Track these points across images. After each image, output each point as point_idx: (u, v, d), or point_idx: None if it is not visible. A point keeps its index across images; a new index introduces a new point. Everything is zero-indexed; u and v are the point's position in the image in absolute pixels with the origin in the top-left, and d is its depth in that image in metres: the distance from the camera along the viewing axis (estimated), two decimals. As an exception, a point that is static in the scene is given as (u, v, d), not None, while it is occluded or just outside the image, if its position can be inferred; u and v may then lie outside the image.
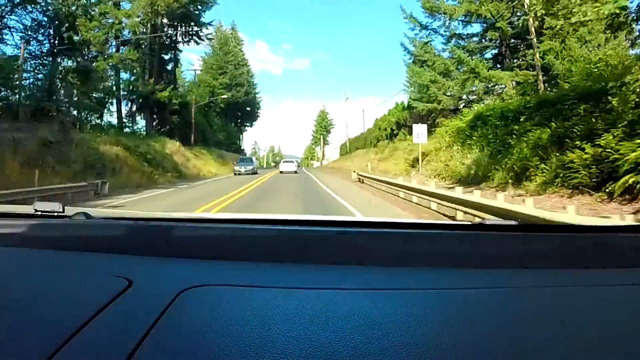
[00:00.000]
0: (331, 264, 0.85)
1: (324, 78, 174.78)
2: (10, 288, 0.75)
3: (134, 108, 32.71)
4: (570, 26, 9.96)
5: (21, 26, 22.21)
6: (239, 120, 63.01)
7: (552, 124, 9.88)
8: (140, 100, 31.45)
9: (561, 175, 8.35)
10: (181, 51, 39.47)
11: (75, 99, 23.08)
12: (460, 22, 21.16)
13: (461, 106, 20.09)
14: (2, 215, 1.14)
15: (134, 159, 18.81)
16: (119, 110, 31.23)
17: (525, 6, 12.72)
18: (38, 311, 0.64)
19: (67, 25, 24.56)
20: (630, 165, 6.64)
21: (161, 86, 31.01)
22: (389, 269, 0.83)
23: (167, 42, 36.88)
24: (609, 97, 8.50)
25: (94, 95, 26.83)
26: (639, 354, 0.55)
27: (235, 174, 26.28)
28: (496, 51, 20.96)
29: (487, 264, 0.84)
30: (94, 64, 27.50)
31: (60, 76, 23.09)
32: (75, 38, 25.21)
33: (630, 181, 6.56)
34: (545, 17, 11.59)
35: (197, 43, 38.11)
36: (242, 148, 64.60)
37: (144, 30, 32.14)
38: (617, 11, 8.08)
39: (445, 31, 20.91)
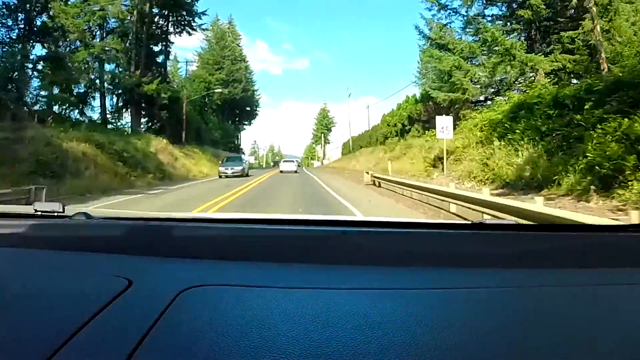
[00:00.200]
0: (331, 264, 0.84)
1: (324, 78, 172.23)
2: (10, 288, 0.75)
3: (120, 103, 29.97)
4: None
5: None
6: (236, 119, 60.50)
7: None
8: (126, 95, 28.73)
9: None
10: (172, 43, 36.97)
11: (45, 90, 20.27)
12: (482, 2, 18.38)
13: (488, 96, 17.30)
14: (2, 216, 1.14)
15: (106, 157, 16.05)
16: (102, 105, 28.55)
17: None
18: (38, 311, 0.64)
19: (38, 8, 21.90)
20: None
21: (148, 78, 28.24)
22: (389, 268, 0.82)
23: (157, 33, 34.38)
24: None
25: (72, 88, 24.29)
26: (639, 353, 0.55)
27: (220, 177, 21.15)
28: (523, 36, 18.15)
29: (487, 263, 0.84)
30: (75, 55, 25.01)
31: (30, 65, 20.45)
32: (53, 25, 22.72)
33: None
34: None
35: (190, 34, 35.66)
36: (240, 147, 62.09)
37: (131, 18, 29.44)
38: None
39: (467, 11, 18.06)
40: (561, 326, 0.61)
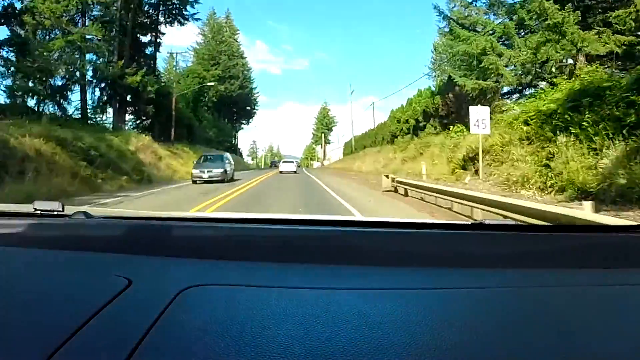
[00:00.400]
0: (331, 264, 0.84)
1: (324, 78, 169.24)
2: (9, 287, 0.74)
3: (105, 97, 27.19)
4: None
5: None
6: (234, 117, 57.66)
7: None
8: (109, 88, 25.98)
9: None
10: (164, 34, 34.31)
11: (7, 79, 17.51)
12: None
13: (524, 85, 14.56)
14: (2, 215, 1.12)
15: (67, 156, 13.25)
16: (83, 99, 25.74)
17: None
18: (38, 310, 0.64)
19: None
20: None
21: (132, 70, 25.50)
22: (389, 269, 0.82)
23: (146, 22, 31.71)
24: None
25: (46, 79, 21.58)
26: (639, 353, 0.55)
27: (195, 182, 15.73)
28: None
29: (487, 264, 0.83)
30: (50, 42, 22.35)
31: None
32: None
33: None
34: None
35: (182, 23, 32.99)
36: (237, 146, 59.33)
37: (115, 5, 26.71)
38: None
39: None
40: (561, 326, 0.61)
